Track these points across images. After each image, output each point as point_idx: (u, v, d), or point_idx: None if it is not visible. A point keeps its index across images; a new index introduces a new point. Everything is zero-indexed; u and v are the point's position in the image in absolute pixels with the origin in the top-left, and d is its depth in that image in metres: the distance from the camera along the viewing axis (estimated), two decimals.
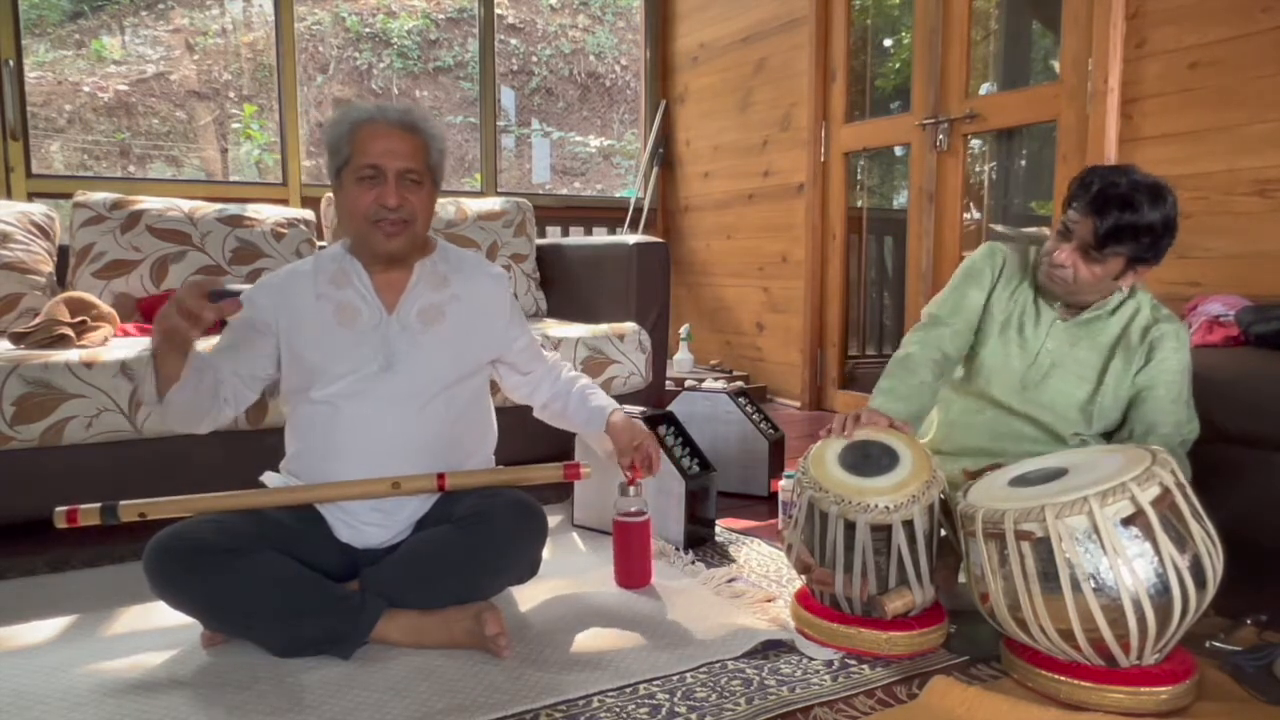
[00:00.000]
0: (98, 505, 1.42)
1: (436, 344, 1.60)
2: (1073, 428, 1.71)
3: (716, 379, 3.25)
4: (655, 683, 1.33)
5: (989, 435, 1.76)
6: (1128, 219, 1.53)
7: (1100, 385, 1.68)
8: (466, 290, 1.66)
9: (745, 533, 2.11)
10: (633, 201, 4.48)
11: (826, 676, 1.36)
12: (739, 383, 3.81)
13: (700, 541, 2.01)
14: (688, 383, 2.72)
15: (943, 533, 1.50)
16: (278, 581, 1.39)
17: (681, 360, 4.05)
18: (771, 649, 1.45)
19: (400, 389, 1.55)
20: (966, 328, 1.78)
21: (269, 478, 1.62)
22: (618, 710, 1.25)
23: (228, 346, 1.57)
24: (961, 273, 1.82)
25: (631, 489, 1.70)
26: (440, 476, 1.54)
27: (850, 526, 1.42)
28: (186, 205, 2.68)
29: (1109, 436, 1.74)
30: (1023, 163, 3.46)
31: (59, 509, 1.42)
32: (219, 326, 1.51)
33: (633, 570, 1.74)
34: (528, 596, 1.67)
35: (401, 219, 1.52)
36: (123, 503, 1.43)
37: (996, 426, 1.76)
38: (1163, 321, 1.68)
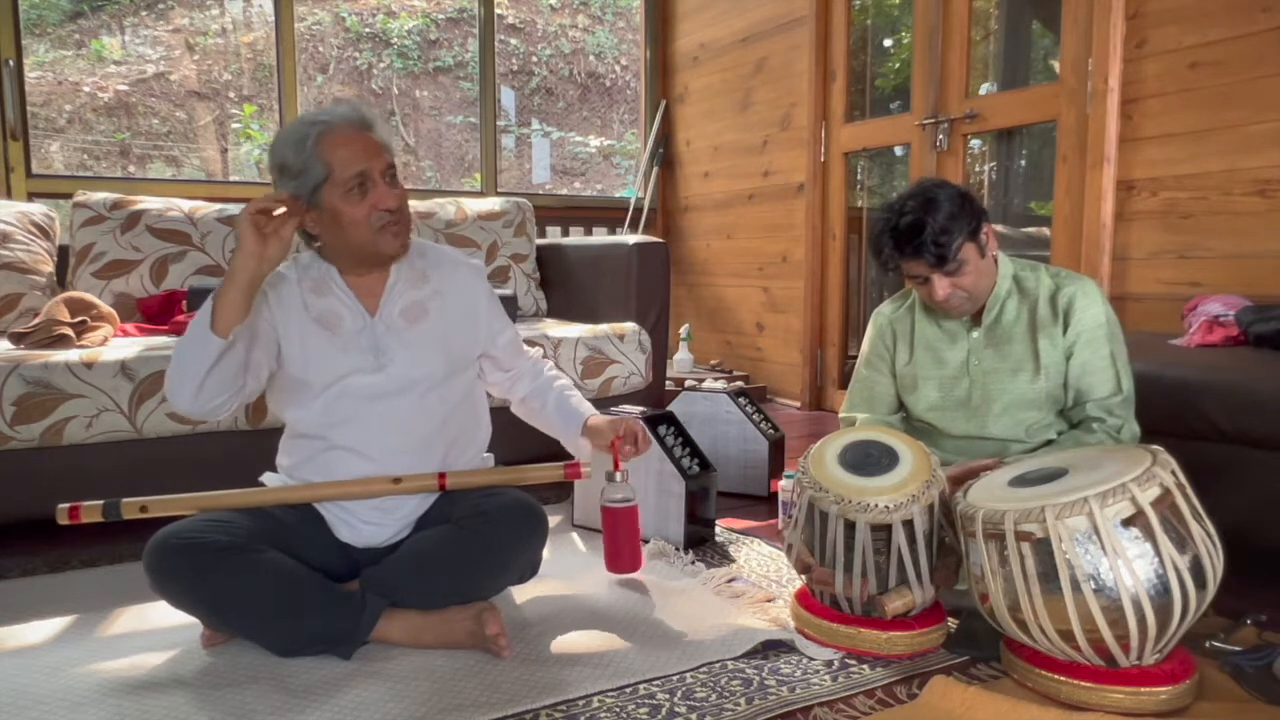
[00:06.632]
0: (100, 502, 1.44)
1: (424, 340, 1.59)
2: (1032, 421, 1.70)
3: (716, 379, 3.25)
4: (655, 683, 1.33)
5: (969, 453, 1.76)
6: (926, 227, 1.58)
7: (1039, 367, 1.68)
8: (447, 284, 1.65)
9: (745, 533, 2.11)
10: (633, 201, 4.48)
11: (826, 676, 1.36)
12: (739, 383, 3.81)
13: (700, 541, 2.01)
14: (688, 383, 2.72)
15: (946, 540, 1.50)
16: (278, 580, 1.39)
17: (681, 360, 4.05)
18: (771, 649, 1.45)
19: (393, 387, 1.55)
20: (888, 407, 1.86)
21: (268, 478, 1.62)
22: (618, 710, 1.25)
23: (246, 329, 1.47)
24: (862, 361, 1.89)
25: (618, 475, 1.67)
26: (441, 476, 1.54)
27: (850, 526, 1.42)
28: (186, 205, 2.68)
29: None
30: (1022, 163, 3.46)
31: (61, 506, 1.44)
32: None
33: (621, 555, 1.73)
34: (528, 596, 1.67)
35: (404, 217, 1.53)
36: (124, 499, 1.45)
37: (967, 448, 1.76)
38: (1066, 285, 1.69)
